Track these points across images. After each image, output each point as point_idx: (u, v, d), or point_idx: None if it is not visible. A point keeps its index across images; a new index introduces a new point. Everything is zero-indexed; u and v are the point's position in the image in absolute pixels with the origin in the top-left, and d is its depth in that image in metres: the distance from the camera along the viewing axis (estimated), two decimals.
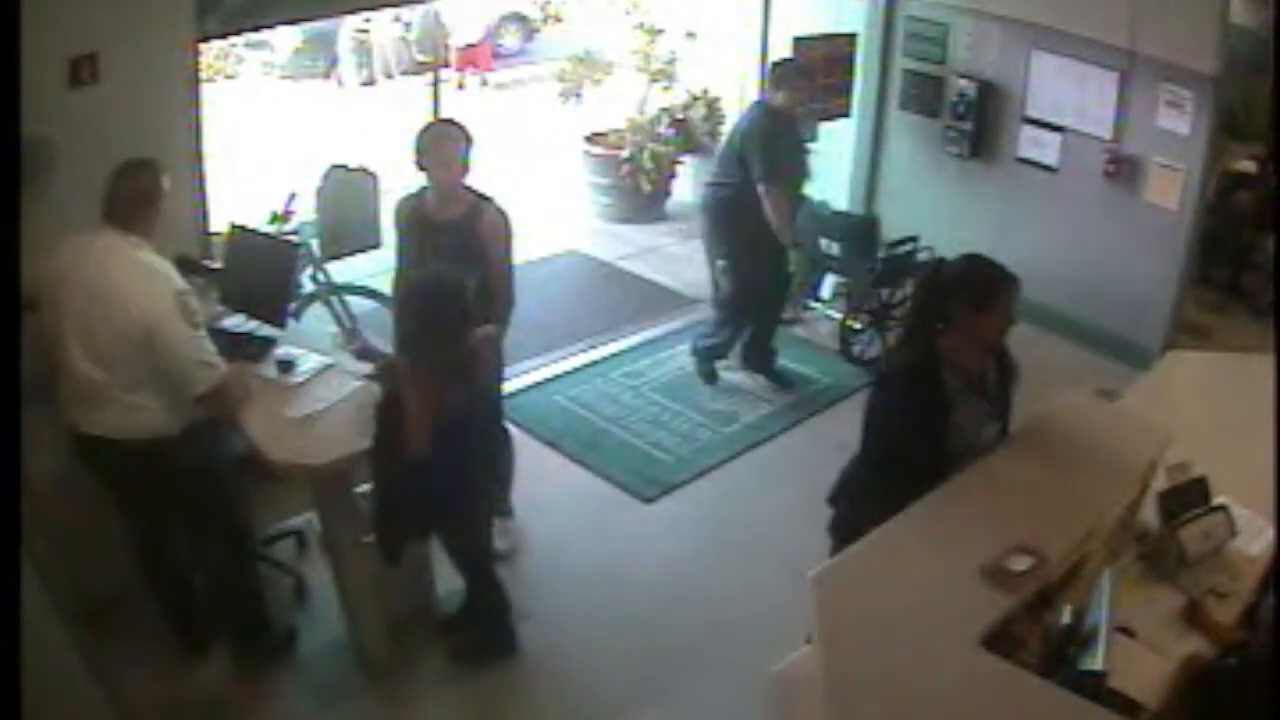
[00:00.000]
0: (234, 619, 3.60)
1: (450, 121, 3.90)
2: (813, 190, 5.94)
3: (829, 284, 6.42)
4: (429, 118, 5.07)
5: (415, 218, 3.82)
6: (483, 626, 3.74)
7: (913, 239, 5.87)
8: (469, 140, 3.72)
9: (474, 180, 3.77)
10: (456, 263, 3.69)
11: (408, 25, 11.17)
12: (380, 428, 3.20)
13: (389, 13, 10.29)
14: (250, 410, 3.38)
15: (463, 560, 3.56)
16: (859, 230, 6.11)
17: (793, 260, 5.23)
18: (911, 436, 2.93)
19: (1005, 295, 2.95)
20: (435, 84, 6.30)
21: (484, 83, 11.53)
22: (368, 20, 10.89)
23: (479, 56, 11.49)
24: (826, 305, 6.35)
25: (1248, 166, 6.69)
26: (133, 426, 3.16)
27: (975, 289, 2.93)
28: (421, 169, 3.72)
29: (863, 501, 3.10)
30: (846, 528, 3.08)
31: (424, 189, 3.80)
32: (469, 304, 3.19)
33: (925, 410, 2.93)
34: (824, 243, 6.15)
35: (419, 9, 10.26)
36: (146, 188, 3.16)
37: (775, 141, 5.01)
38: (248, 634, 3.62)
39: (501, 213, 3.79)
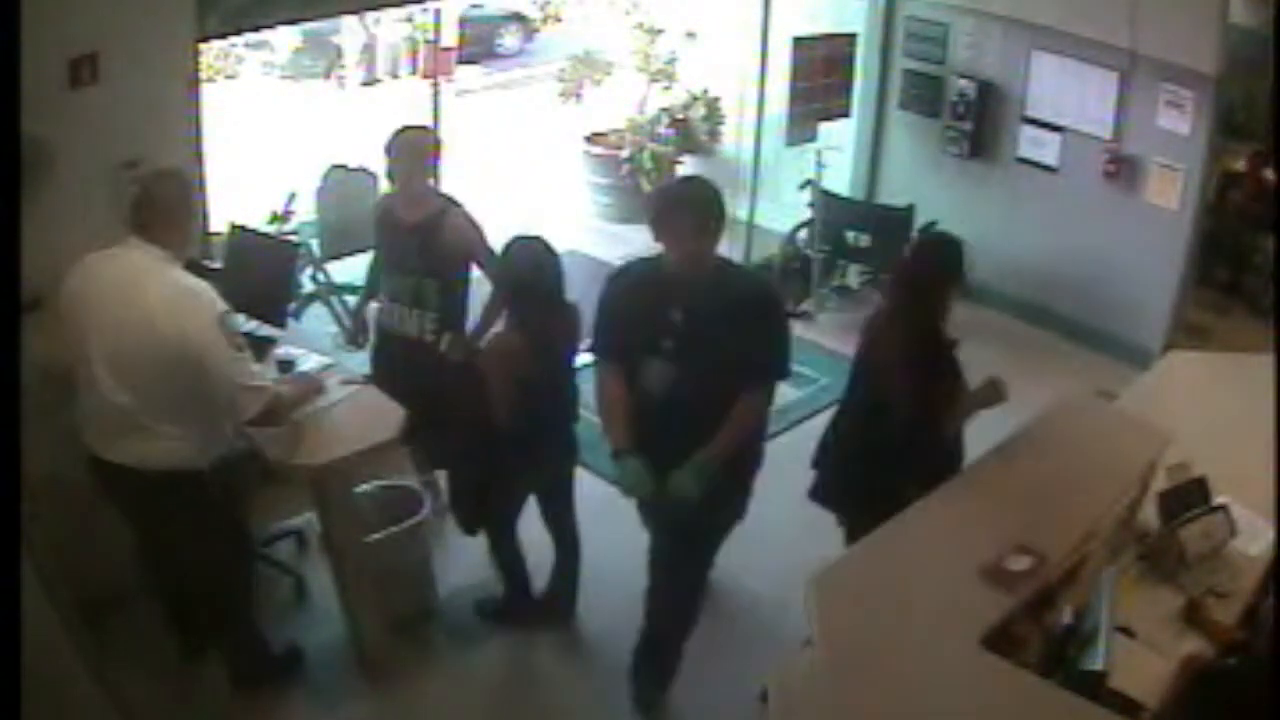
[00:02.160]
0: (235, 646, 3.49)
1: (418, 126, 3.93)
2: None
3: (854, 273, 6.53)
4: (429, 118, 5.08)
5: (387, 219, 3.84)
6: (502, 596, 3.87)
7: (931, 224, 5.89)
8: (438, 145, 3.74)
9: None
10: (420, 266, 3.72)
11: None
12: (465, 398, 3.32)
13: (397, 12, 10.17)
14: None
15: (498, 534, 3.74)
16: (893, 222, 6.11)
17: None
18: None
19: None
20: (435, 84, 6.29)
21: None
22: (378, 21, 10.82)
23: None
24: (854, 294, 6.53)
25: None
26: (158, 456, 2.95)
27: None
28: (389, 175, 3.73)
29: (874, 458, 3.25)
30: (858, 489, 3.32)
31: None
32: (563, 269, 3.37)
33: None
34: (851, 235, 6.28)
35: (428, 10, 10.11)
36: (179, 198, 2.98)
37: None
38: (248, 659, 3.52)
39: (467, 218, 3.78)
